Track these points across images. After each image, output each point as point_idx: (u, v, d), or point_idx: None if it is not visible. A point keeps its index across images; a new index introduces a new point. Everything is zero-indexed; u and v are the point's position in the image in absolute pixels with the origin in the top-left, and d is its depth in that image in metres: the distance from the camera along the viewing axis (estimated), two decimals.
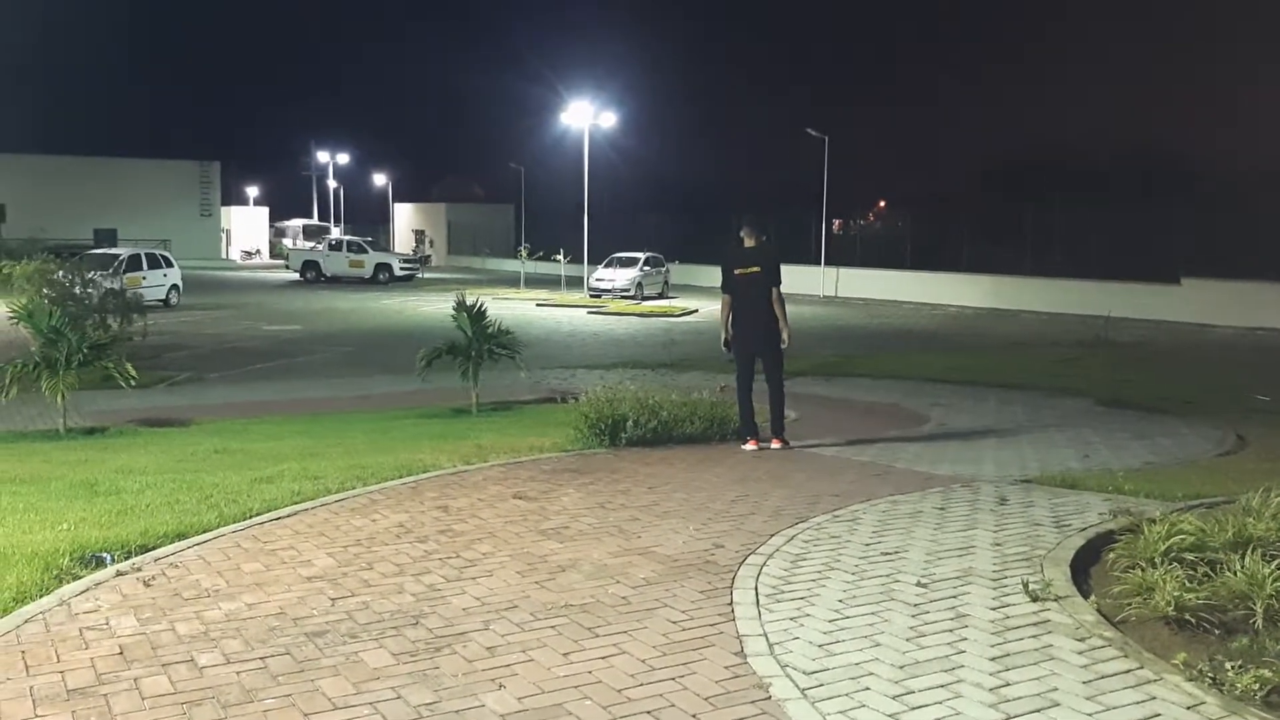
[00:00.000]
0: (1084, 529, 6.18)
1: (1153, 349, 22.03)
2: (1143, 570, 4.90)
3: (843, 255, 42.04)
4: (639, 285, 38.05)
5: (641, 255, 39.79)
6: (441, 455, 8.77)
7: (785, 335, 9.44)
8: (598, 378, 14.08)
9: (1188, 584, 4.64)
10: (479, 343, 13.04)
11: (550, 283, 43.85)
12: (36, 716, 3.74)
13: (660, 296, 38.52)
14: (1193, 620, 4.47)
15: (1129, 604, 4.69)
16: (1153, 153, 53.48)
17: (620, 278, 38.26)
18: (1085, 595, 4.96)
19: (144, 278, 30.03)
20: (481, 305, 13.41)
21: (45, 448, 10.35)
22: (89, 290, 20.23)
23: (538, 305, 34.38)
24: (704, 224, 50.66)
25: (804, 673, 4.10)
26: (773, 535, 6.16)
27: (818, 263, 41.31)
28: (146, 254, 32.66)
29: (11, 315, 13.45)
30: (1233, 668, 3.96)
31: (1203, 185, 37.66)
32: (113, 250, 34.73)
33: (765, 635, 4.51)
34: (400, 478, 7.81)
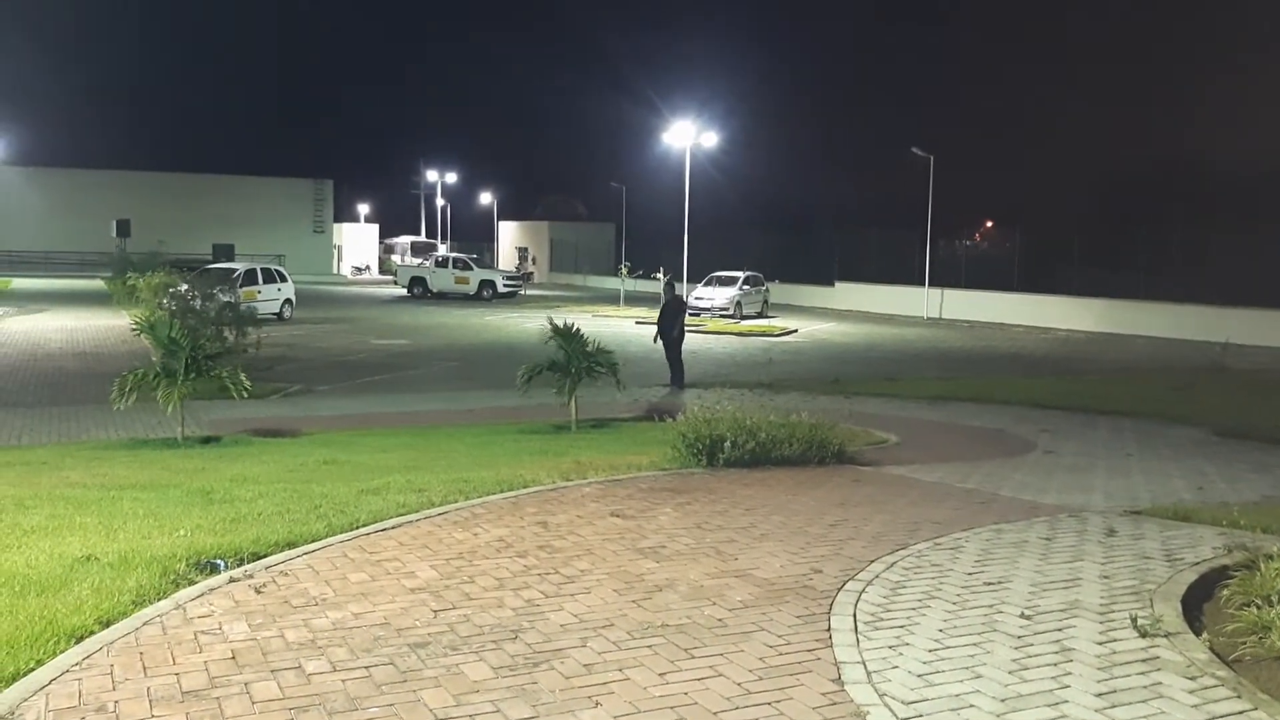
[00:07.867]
0: (1197, 563, 6.00)
1: (1273, 377, 21.18)
2: (1259, 608, 4.74)
3: (947, 276, 41.31)
4: (738, 304, 37.92)
5: (741, 274, 39.66)
6: (541, 471, 8.88)
7: None
8: (695, 396, 14.10)
9: None
10: (578, 360, 13.19)
11: (650, 301, 43.99)
12: (153, 717, 3.90)
13: (759, 316, 38.34)
14: None
15: (1244, 643, 4.53)
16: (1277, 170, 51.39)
17: (719, 296, 38.17)
18: (1197, 632, 4.81)
19: (259, 291, 30.96)
20: (575, 327, 13.57)
21: (164, 455, 10.77)
22: (207, 304, 20.95)
23: (637, 323, 34.49)
24: (805, 243, 50.46)
25: (903, 702, 4.06)
26: (872, 561, 6.10)
27: (921, 283, 40.71)
28: (262, 269, 33.65)
29: (134, 326, 14.02)
30: None
31: None
32: (230, 265, 35.95)
33: (863, 663, 4.47)
34: (501, 492, 7.94)
